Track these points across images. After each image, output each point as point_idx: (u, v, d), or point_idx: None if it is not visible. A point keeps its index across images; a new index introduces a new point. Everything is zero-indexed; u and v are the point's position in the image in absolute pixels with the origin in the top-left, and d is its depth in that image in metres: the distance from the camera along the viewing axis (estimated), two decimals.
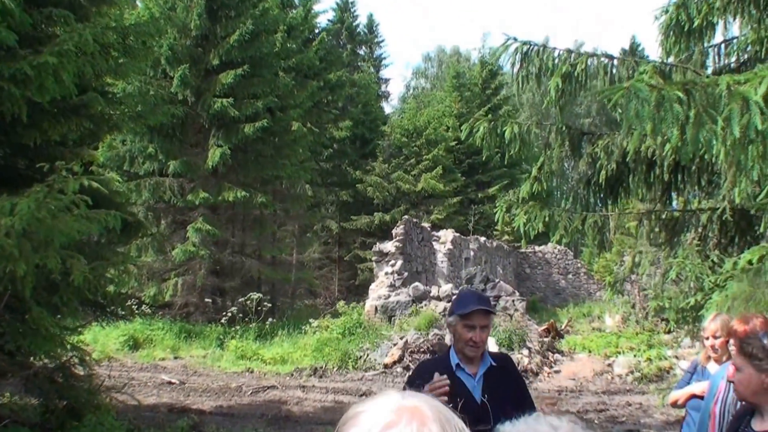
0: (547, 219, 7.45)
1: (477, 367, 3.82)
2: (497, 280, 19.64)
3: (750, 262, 5.39)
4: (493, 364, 3.85)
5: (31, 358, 8.10)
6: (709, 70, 7.67)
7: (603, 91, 4.77)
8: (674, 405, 5.27)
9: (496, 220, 8.37)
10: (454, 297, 17.78)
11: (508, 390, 3.87)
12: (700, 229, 7.45)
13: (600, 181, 7.31)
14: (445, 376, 3.45)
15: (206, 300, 22.14)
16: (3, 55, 6.60)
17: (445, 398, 3.29)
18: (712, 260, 6.92)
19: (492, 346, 14.76)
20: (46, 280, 7.03)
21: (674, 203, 7.94)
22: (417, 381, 3.82)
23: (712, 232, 7.39)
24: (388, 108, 54.66)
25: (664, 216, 7.57)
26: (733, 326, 4.22)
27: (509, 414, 3.94)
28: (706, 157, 5.78)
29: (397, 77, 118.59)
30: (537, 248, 33.29)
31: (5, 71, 6.34)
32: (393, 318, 18.88)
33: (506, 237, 32.34)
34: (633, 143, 6.01)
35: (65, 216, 6.30)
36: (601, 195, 7.66)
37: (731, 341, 4.01)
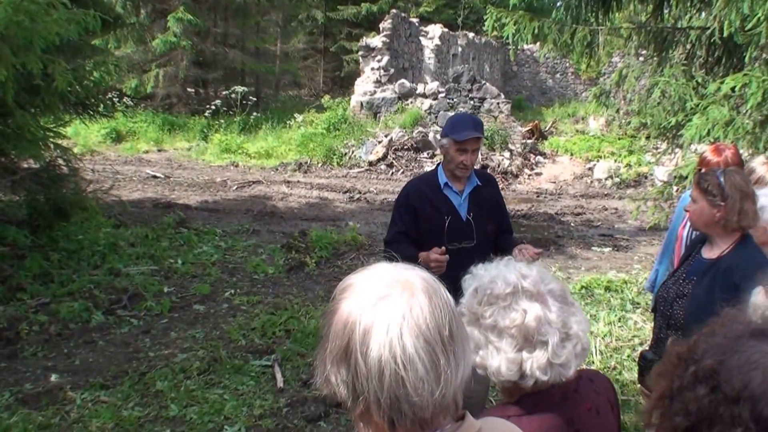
0: (536, 30, 7.28)
1: (464, 185, 3.94)
2: (483, 82, 19.42)
3: (732, 90, 5.36)
4: (479, 183, 3.95)
5: (16, 161, 8.12)
6: None
7: None
8: None
9: (485, 29, 8.17)
10: (446, 110, 17.73)
11: (491, 209, 4.06)
12: (688, 47, 7.33)
13: None
14: (446, 256, 3.57)
15: (189, 91, 21.92)
16: None
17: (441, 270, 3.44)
18: (697, 81, 6.85)
19: None
20: (27, 83, 6.93)
21: (666, 19, 7.73)
22: (408, 198, 3.96)
23: (699, 51, 7.27)
24: None
25: (653, 30, 7.39)
26: (705, 155, 4.29)
27: (490, 232, 4.10)
28: None
29: None
30: (525, 46, 32.66)
31: None
32: (378, 115, 18.85)
33: (495, 33, 31.57)
34: None
35: (44, 18, 6.13)
36: (593, 5, 7.42)
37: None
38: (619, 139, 17.57)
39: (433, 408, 1.17)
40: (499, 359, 1.77)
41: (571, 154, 17.37)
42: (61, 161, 8.48)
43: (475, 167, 4.02)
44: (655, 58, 7.49)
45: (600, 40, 7.31)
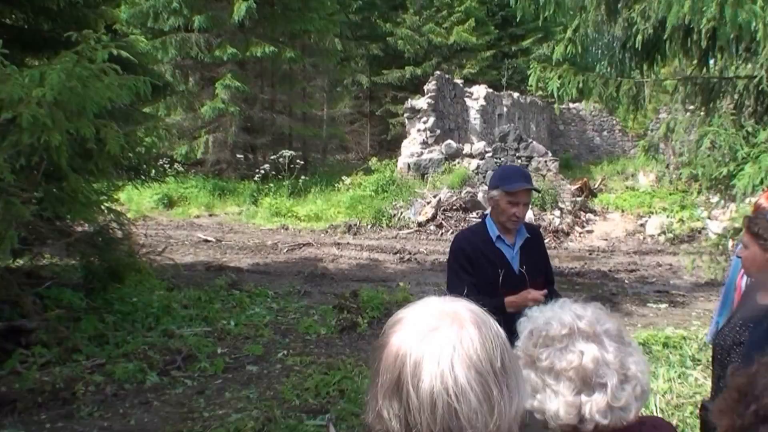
0: (581, 84, 7.31)
1: (514, 238, 3.96)
2: (530, 141, 19.48)
3: None
4: (528, 236, 3.97)
5: (71, 224, 8.33)
6: None
7: None
8: None
9: (529, 83, 8.22)
10: (494, 170, 17.76)
11: (539, 260, 4.07)
12: (735, 97, 7.27)
13: (636, 45, 7.08)
14: (539, 295, 3.62)
15: (238, 156, 22.32)
16: None
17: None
18: (747, 130, 6.78)
19: None
20: (80, 148, 7.14)
21: (711, 70, 7.71)
22: (462, 250, 3.96)
23: (747, 100, 7.21)
24: None
25: (700, 82, 7.38)
26: (759, 202, 4.22)
27: (540, 283, 4.09)
28: (745, 35, 5.58)
29: None
30: (571, 105, 32.66)
31: None
32: (426, 175, 18.94)
33: (540, 93, 31.69)
34: (670, 19, 5.78)
35: (96, 84, 6.32)
36: (637, 59, 7.45)
37: None
38: (670, 194, 17.36)
39: None
40: (557, 403, 1.75)
41: (622, 211, 17.19)
42: (114, 224, 8.66)
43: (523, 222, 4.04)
44: (702, 110, 7.46)
45: (646, 93, 7.32)
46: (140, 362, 7.06)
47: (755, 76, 6.77)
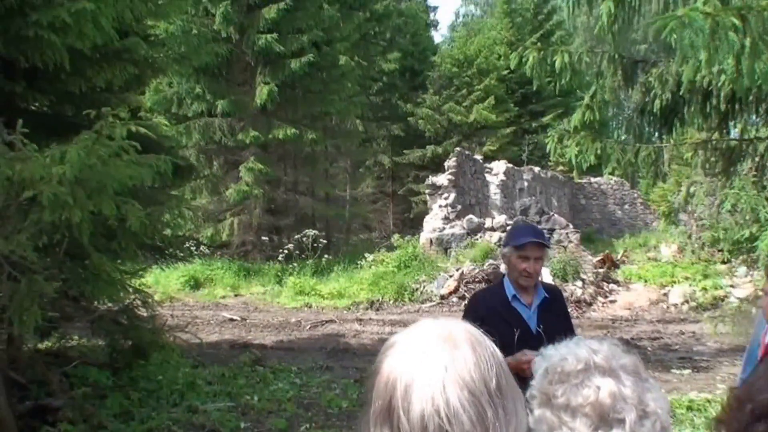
0: (599, 151, 7.32)
1: (531, 298, 3.93)
2: (551, 213, 19.50)
3: None
4: (546, 296, 3.92)
5: (95, 303, 8.38)
6: None
7: (655, 21, 4.62)
8: None
9: (547, 151, 8.24)
10: (509, 227, 17.81)
11: (559, 320, 4.00)
12: (757, 159, 7.23)
13: (654, 110, 7.13)
14: (532, 356, 3.56)
15: (263, 239, 22.47)
16: (40, 3, 6.65)
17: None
18: None
19: (546, 276, 14.76)
20: (103, 227, 7.21)
21: (732, 133, 7.71)
22: (475, 311, 3.91)
23: None
24: (437, 37, 53.45)
25: (720, 146, 7.37)
26: None
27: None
28: (764, 86, 5.59)
29: (446, 4, 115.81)
30: (592, 179, 32.75)
31: (43, 19, 6.38)
32: (449, 250, 18.94)
33: (561, 168, 31.88)
34: (687, 74, 5.83)
35: (116, 162, 6.42)
36: (656, 125, 7.47)
37: None
38: (692, 263, 17.19)
39: None
40: None
41: (645, 281, 16.99)
42: (138, 302, 8.71)
43: (542, 281, 4.01)
44: (723, 174, 7.43)
45: (665, 158, 7.32)
46: None
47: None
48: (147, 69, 9.18)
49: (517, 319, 3.85)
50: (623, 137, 7.38)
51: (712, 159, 7.38)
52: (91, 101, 8.43)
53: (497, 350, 1.21)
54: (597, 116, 7.44)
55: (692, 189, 7.49)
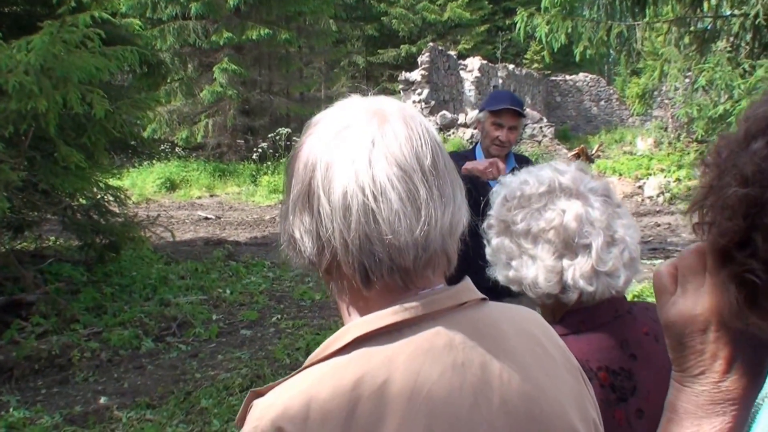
0: (570, 30, 7.08)
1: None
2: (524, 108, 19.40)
3: None
4: (516, 166, 3.82)
5: (67, 198, 8.32)
6: None
7: None
8: None
9: (516, 31, 7.96)
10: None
11: None
12: (731, 38, 7.03)
13: None
14: (502, 165, 3.47)
15: (238, 141, 22.31)
16: None
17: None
18: (744, 68, 6.57)
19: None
20: (71, 120, 7.09)
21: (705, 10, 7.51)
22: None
23: (744, 41, 6.95)
24: None
25: (694, 24, 7.18)
26: None
27: None
28: None
29: None
30: (567, 77, 32.47)
31: None
32: None
33: (536, 65, 31.58)
34: None
35: (81, 52, 6.26)
36: (627, 2, 7.22)
37: None
38: (668, 155, 17.20)
39: (414, 252, 0.96)
40: (535, 269, 1.57)
41: (620, 174, 17.00)
42: (110, 198, 8.64)
43: (514, 153, 3.93)
44: (696, 53, 7.25)
45: (638, 36, 7.11)
46: (136, 329, 7.06)
47: (750, 13, 6.54)
48: None
49: (484, 187, 3.76)
50: (593, 15, 7.14)
51: (686, 38, 7.20)
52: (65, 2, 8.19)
53: (433, 129, 1.08)
54: None
55: (665, 68, 7.32)
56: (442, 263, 1.03)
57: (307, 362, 1.00)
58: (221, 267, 9.88)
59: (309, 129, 1.07)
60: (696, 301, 0.82)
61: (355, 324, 0.99)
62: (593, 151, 20.67)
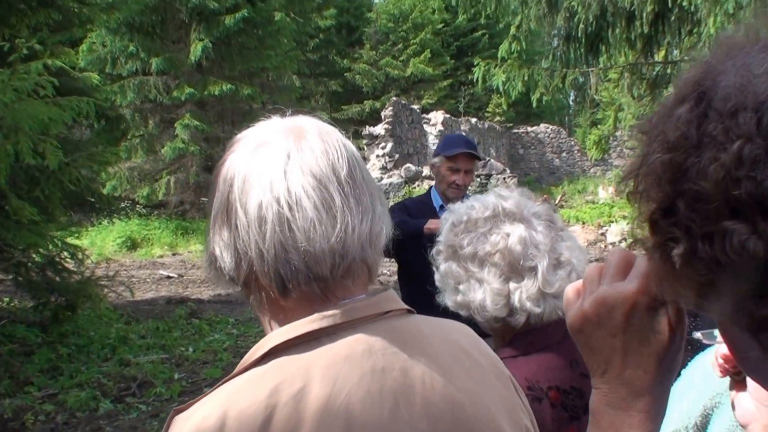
0: (526, 77, 7.24)
1: None
2: (488, 159, 19.60)
3: None
4: None
5: (19, 255, 8.14)
6: None
7: None
8: None
9: (474, 80, 8.11)
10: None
11: None
12: None
13: (579, 35, 7.07)
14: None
15: (201, 198, 22.20)
16: None
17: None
18: None
19: None
20: (23, 172, 6.97)
21: (656, 57, 7.70)
22: (404, 206, 3.82)
23: None
24: None
25: (645, 69, 7.36)
26: None
27: None
28: (684, 4, 5.59)
29: None
30: (529, 128, 32.98)
31: None
32: (387, 200, 18.89)
33: (498, 118, 32.08)
34: None
35: (33, 100, 6.17)
36: (581, 51, 7.41)
37: None
38: (629, 200, 17.39)
39: (332, 260, 0.97)
40: (482, 292, 1.58)
41: (583, 223, 17.17)
42: (67, 255, 8.47)
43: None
44: (648, 97, 7.43)
45: (592, 82, 7.27)
46: (93, 390, 6.83)
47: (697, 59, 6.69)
48: (73, 18, 8.80)
49: None
50: (548, 64, 7.32)
51: (638, 83, 7.38)
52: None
53: (351, 145, 1.09)
54: (524, 46, 7.37)
55: (620, 114, 7.49)
56: (362, 273, 1.04)
57: (228, 377, 0.99)
58: (183, 325, 9.67)
59: (231, 146, 1.09)
60: (589, 301, 0.83)
61: (273, 334, 0.99)
62: (556, 201, 20.89)
